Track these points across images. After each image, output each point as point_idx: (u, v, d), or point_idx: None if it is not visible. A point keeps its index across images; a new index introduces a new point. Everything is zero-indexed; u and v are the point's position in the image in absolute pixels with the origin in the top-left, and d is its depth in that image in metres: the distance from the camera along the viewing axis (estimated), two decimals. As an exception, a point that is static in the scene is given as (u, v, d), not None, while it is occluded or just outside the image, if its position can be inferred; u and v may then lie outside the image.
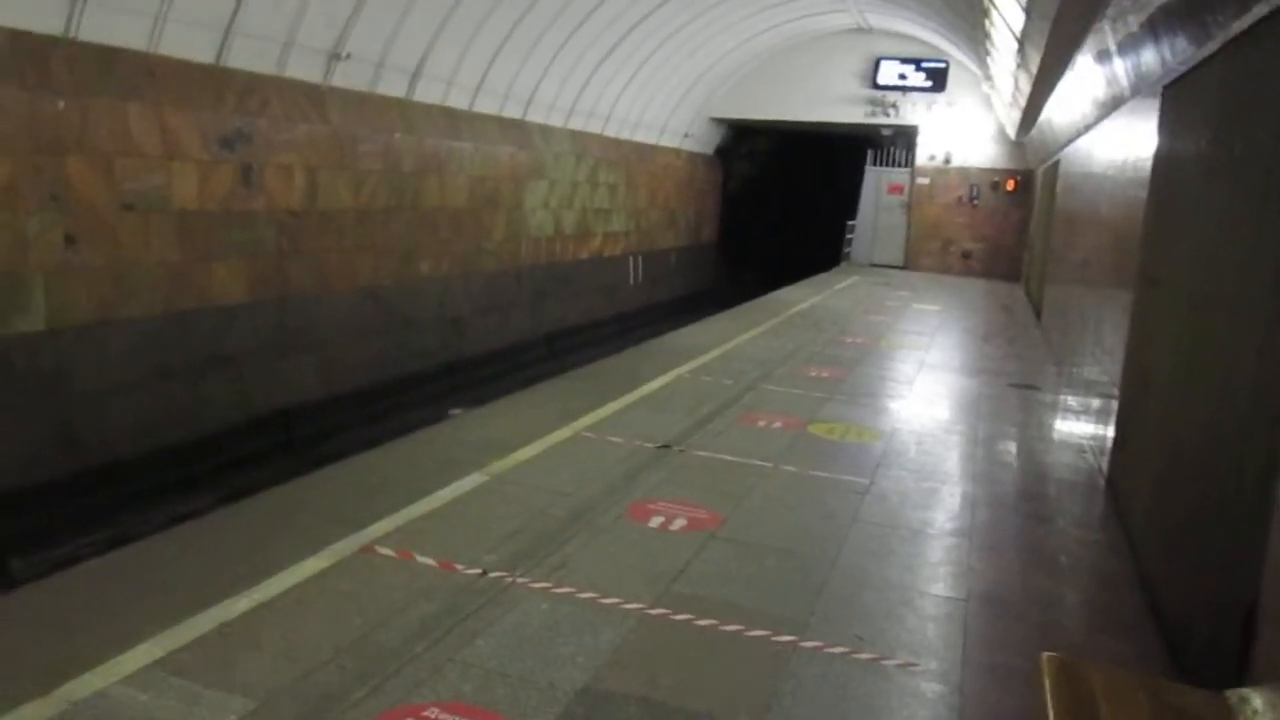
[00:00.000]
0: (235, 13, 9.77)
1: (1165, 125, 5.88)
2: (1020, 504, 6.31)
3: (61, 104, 8.28)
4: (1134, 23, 6.06)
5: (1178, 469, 4.55)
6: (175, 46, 9.32)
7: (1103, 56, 7.68)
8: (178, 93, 9.42)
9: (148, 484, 9.25)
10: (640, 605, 4.27)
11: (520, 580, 4.43)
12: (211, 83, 9.82)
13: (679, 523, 5.35)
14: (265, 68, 10.52)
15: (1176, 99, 5.59)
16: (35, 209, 8.16)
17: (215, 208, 9.98)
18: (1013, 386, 10.29)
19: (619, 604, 4.27)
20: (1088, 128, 10.47)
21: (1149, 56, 6.03)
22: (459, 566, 4.53)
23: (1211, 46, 4.62)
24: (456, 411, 12.13)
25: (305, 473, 9.56)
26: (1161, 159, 5.90)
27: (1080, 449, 7.79)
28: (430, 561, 4.56)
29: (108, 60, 8.67)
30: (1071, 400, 9.30)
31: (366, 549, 4.68)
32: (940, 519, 5.83)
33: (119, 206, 8.92)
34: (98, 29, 8.49)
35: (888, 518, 5.74)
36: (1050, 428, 8.63)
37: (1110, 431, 6.92)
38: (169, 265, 9.51)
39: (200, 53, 9.66)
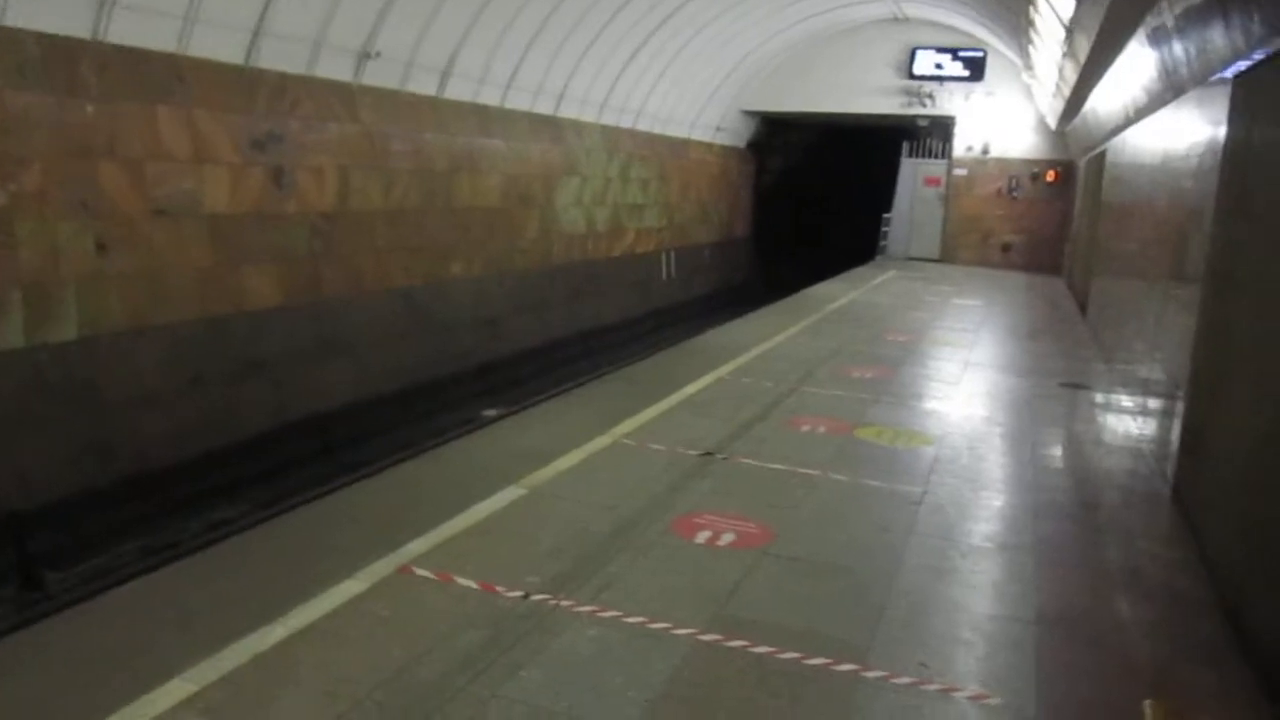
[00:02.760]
0: (264, 13, 9.63)
1: (1239, 116, 5.56)
2: (1082, 514, 6.02)
3: (91, 108, 8.17)
4: (1199, 8, 5.74)
5: (1267, 480, 4.25)
6: (204, 48, 9.19)
7: (1161, 44, 7.34)
8: (208, 95, 9.30)
9: (183, 492, 9.16)
10: (692, 630, 4.05)
11: (565, 603, 4.22)
12: (242, 84, 9.70)
13: (727, 538, 5.12)
14: (295, 68, 10.38)
15: (1253, 88, 5.27)
16: (66, 216, 8.06)
17: (247, 211, 9.86)
18: (1063, 386, 9.95)
19: (669, 629, 4.05)
20: (1140, 117, 10.10)
21: (1218, 43, 5.70)
22: (500, 589, 4.33)
23: (1297, 31, 4.32)
24: (491, 413, 12.00)
25: (341, 477, 9.56)
26: (1235, 151, 5.58)
27: (1138, 452, 7.47)
28: (471, 584, 4.37)
29: (137, 63, 8.55)
30: (1126, 400, 8.96)
31: (404, 570, 4.50)
32: (1000, 532, 5.56)
33: (150, 211, 8.82)
34: (126, 31, 8.38)
35: (945, 531, 5.48)
36: (1106, 430, 8.31)
37: (1172, 434, 6.60)
38: (201, 270, 9.40)
39: (230, 54, 9.54)
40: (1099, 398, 9.54)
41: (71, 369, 8.25)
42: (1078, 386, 9.98)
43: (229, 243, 9.68)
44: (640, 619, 4.12)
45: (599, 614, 4.15)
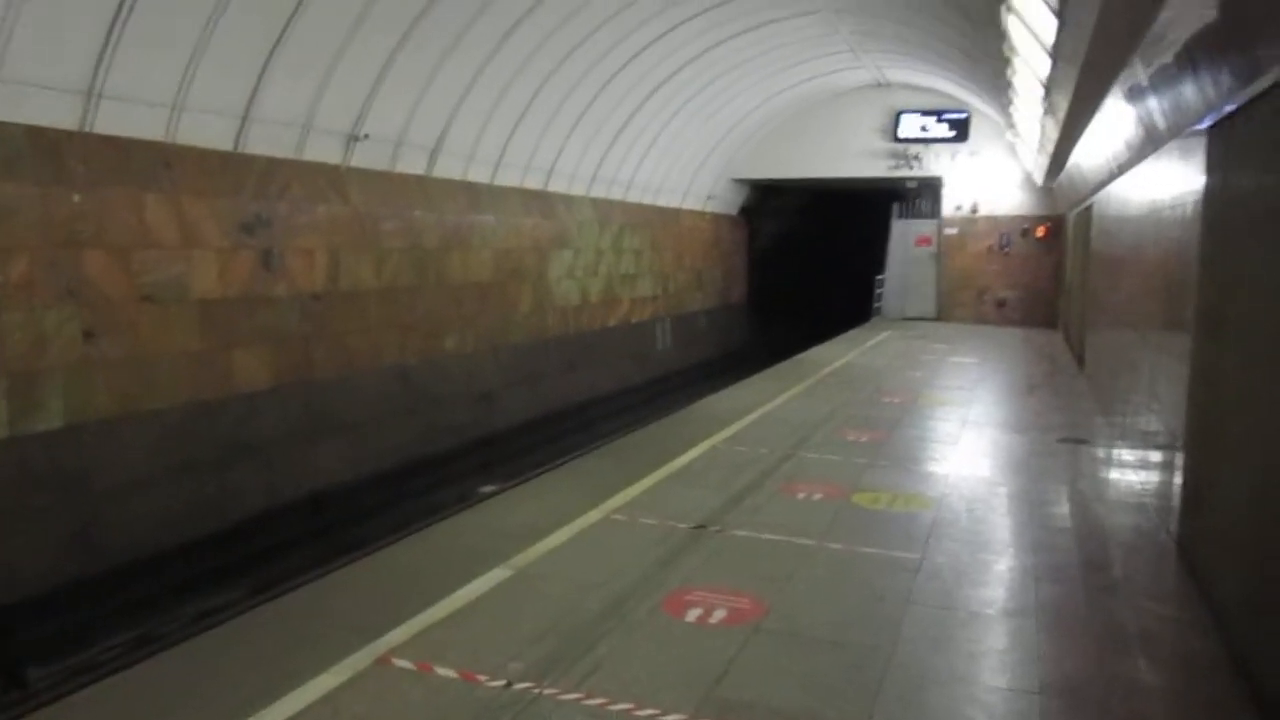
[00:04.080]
0: (252, 99, 9.76)
1: (1216, 166, 5.56)
2: (1085, 575, 5.86)
3: (77, 198, 8.22)
4: (1171, 64, 5.78)
5: (1269, 533, 4.12)
6: (192, 135, 9.29)
7: (1137, 100, 7.40)
8: (196, 181, 9.38)
9: (174, 580, 9.01)
10: (681, 716, 3.89)
11: (549, 691, 4.07)
12: (230, 169, 9.78)
13: (719, 614, 4.98)
14: (284, 152, 10.48)
15: (1226, 138, 5.28)
16: (53, 304, 8.05)
17: (236, 294, 9.87)
18: (1062, 442, 9.83)
19: (657, 715, 3.90)
20: (1123, 170, 10.16)
21: (1190, 98, 5.73)
22: (482, 678, 4.18)
23: (1265, 81, 4.32)
24: (489, 488, 11.86)
25: (335, 559, 9.39)
26: (1214, 201, 5.57)
27: (1141, 507, 7.33)
28: (451, 673, 4.22)
29: (124, 152, 8.63)
30: (1126, 454, 8.83)
31: (383, 660, 4.35)
32: (1001, 597, 5.41)
33: (138, 298, 8.82)
34: (113, 121, 8.47)
35: (944, 598, 5.33)
36: (1107, 485, 8.17)
37: (1174, 487, 6.48)
38: (190, 355, 9.37)
39: (218, 140, 9.64)
40: (1099, 452, 9.42)
41: (58, 458, 8.17)
42: (1077, 442, 9.86)
43: (218, 326, 9.66)
44: (627, 705, 3.96)
45: (584, 701, 4.00)
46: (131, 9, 8.06)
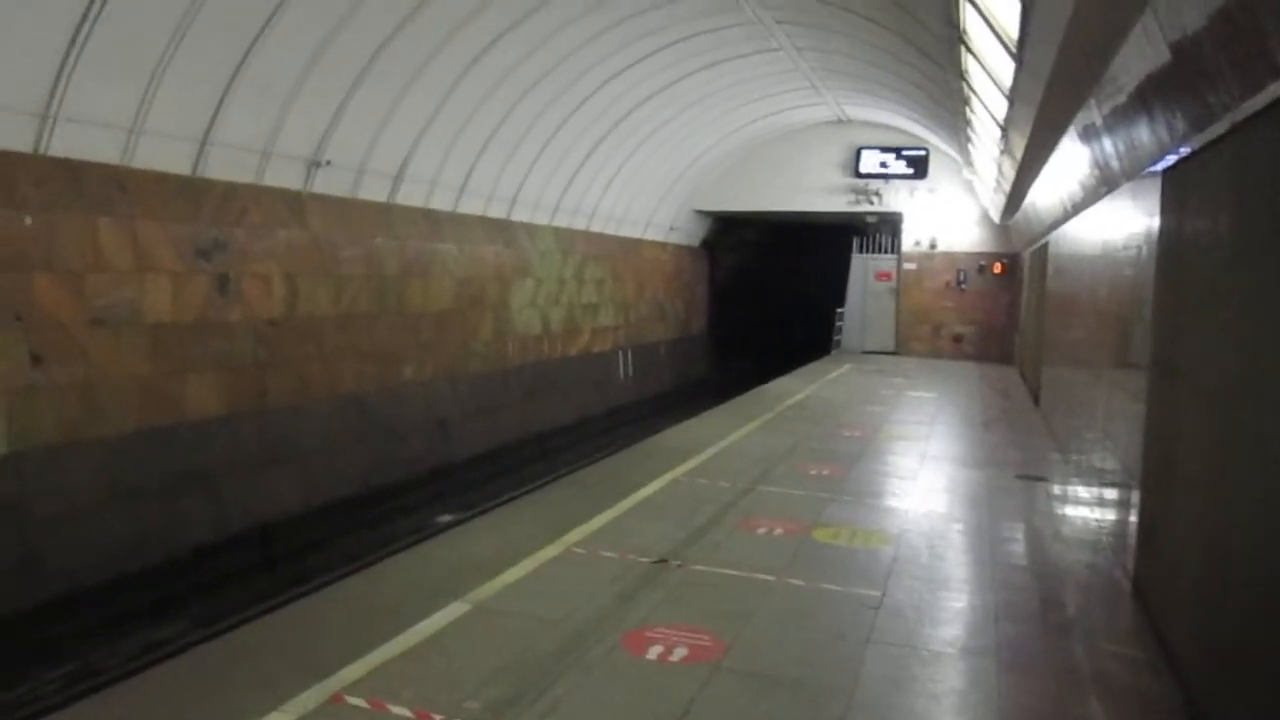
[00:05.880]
0: (212, 123, 9.64)
1: (1170, 209, 5.66)
2: (1045, 614, 5.88)
3: (28, 220, 8.04)
4: (1126, 108, 5.90)
5: (1228, 576, 4.16)
6: (149, 159, 9.14)
7: (1093, 141, 7.55)
8: (151, 205, 9.22)
9: (117, 611, 8.75)
10: (640, 758, 3.82)
11: (505, 732, 3.98)
12: (187, 194, 9.63)
13: (679, 652, 4.91)
14: (243, 177, 10.35)
15: (1181, 182, 5.38)
16: (-1, 329, 7.85)
17: (190, 319, 9.69)
18: (1020, 478, 9.91)
19: (616, 757, 3.82)
20: (1078, 210, 10.35)
21: (1145, 140, 5.85)
22: (437, 718, 4.07)
23: (1219, 128, 4.41)
24: (445, 519, 11.71)
25: (284, 591, 9.18)
26: (1169, 243, 5.66)
27: (1097, 545, 7.39)
28: (405, 712, 4.11)
29: (77, 175, 8.46)
30: (1082, 492, 8.92)
31: (336, 699, 4.23)
32: (962, 636, 5.40)
33: (88, 322, 8.62)
34: (68, 144, 8.31)
35: (905, 637, 5.30)
36: (1064, 523, 8.23)
37: (1130, 525, 6.54)
38: (140, 380, 9.17)
39: (176, 164, 9.49)
40: (1056, 489, 9.50)
41: (-1, 487, 7.92)
42: (1034, 479, 9.95)
43: (170, 352, 9.47)
44: (586, 746, 3.89)
45: (542, 742, 3.91)
46: (90, 32, 7.93)
